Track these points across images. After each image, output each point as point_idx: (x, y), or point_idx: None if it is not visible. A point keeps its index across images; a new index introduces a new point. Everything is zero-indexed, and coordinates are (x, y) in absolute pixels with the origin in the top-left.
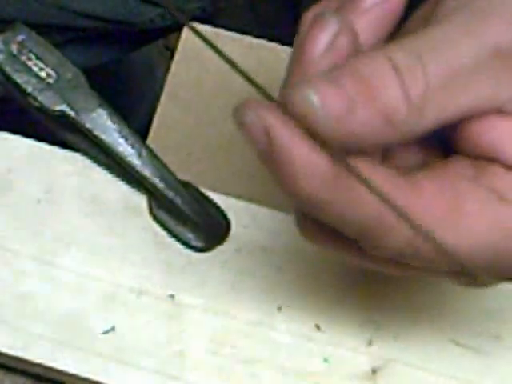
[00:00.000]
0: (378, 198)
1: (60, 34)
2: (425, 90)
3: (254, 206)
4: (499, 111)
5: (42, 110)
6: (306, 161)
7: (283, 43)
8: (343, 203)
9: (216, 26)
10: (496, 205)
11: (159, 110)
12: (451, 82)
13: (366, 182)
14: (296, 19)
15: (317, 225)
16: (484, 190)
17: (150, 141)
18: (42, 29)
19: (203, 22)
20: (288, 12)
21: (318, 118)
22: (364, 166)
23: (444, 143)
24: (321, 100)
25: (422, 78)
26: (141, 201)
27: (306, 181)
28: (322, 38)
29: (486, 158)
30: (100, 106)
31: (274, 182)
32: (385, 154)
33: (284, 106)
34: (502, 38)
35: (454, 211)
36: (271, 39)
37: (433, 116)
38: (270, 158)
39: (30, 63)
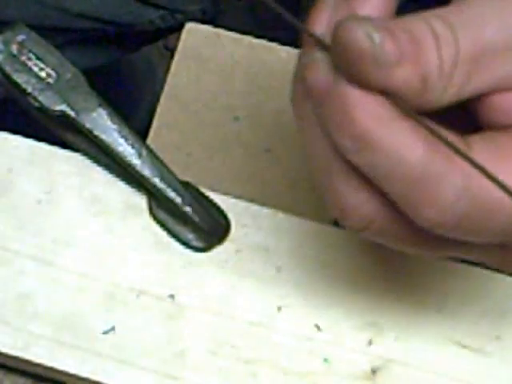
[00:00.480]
0: (439, 142)
1: (60, 36)
2: (454, 61)
3: (254, 206)
4: None
5: (42, 109)
6: (366, 97)
7: (283, 44)
8: (396, 146)
9: (216, 26)
10: None
11: (159, 110)
12: (479, 57)
13: (429, 128)
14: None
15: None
16: None
17: (149, 141)
18: (42, 31)
19: (204, 23)
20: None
21: (375, 56)
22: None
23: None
24: (381, 40)
25: (454, 49)
26: (141, 201)
27: (363, 112)
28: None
29: None
30: (100, 105)
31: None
32: None
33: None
34: None
35: (508, 172)
36: (271, 41)
37: (459, 86)
38: (328, 98)
39: (30, 63)
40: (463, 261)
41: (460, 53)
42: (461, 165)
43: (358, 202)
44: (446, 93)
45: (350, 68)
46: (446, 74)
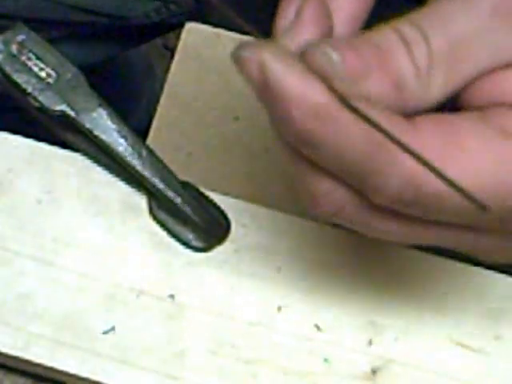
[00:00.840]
0: (376, 131)
1: (56, 30)
2: (430, 59)
3: (254, 206)
4: (507, 66)
5: (42, 109)
6: (299, 90)
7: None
8: (338, 137)
9: (209, 19)
10: (501, 141)
11: (159, 110)
12: (454, 51)
13: (364, 117)
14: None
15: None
16: (488, 127)
17: (149, 141)
18: (37, 24)
19: (199, 14)
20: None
21: (335, 73)
22: (362, 105)
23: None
24: (340, 58)
25: (425, 49)
26: (141, 201)
27: (299, 111)
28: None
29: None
30: (100, 105)
31: (272, 125)
32: None
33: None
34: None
35: (455, 147)
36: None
37: (440, 83)
38: (264, 90)
39: (30, 63)
40: (462, 260)
41: (433, 50)
42: (402, 157)
43: (326, 190)
44: (430, 92)
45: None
46: (423, 74)
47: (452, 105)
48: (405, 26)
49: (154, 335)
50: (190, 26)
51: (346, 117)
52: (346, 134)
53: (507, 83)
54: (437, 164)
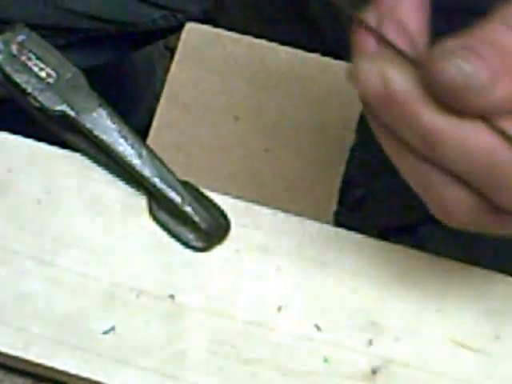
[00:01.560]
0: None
1: (63, 36)
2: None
3: (253, 206)
4: None
5: (42, 109)
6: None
7: (284, 40)
8: (466, 141)
9: (217, 23)
10: None
11: (159, 110)
12: None
13: (500, 131)
14: (299, 15)
15: None
16: None
17: (149, 141)
18: (45, 31)
19: (205, 22)
20: (289, 9)
21: (471, 87)
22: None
23: None
24: (473, 69)
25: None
26: (141, 201)
27: (428, 116)
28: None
29: None
30: (100, 105)
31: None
32: None
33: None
34: None
35: None
36: (272, 36)
37: None
38: (385, 103)
39: (30, 63)
40: (462, 260)
41: None
42: None
43: (459, 201)
44: None
45: (450, 102)
46: None
47: None
48: None
49: (154, 335)
50: (190, 26)
51: (475, 123)
52: (475, 140)
53: None
54: None
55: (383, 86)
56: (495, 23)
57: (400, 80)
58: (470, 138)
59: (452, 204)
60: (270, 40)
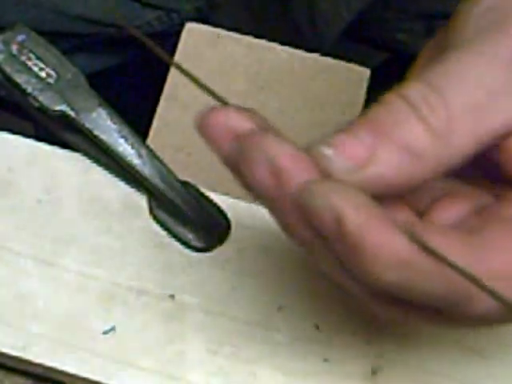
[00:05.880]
0: (456, 271)
1: (60, 44)
2: (448, 119)
3: (254, 206)
4: None
5: (42, 109)
6: (381, 244)
7: (276, 39)
8: (424, 279)
9: (210, 22)
10: None
11: (159, 110)
12: (475, 107)
13: (442, 258)
14: (284, 15)
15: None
16: None
17: (149, 141)
18: (45, 36)
19: (199, 21)
20: (279, 8)
21: (332, 168)
22: (435, 234)
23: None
24: (334, 152)
25: (442, 108)
26: (141, 201)
27: (382, 265)
28: None
29: None
30: (100, 105)
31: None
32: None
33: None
34: None
35: None
36: (264, 34)
37: (462, 143)
38: (338, 240)
39: (29, 63)
40: None
41: (452, 108)
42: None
43: (402, 316)
44: (453, 150)
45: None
46: (441, 134)
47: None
48: (411, 89)
49: (154, 335)
50: (190, 26)
51: (428, 262)
52: (430, 278)
53: None
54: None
55: (336, 224)
56: (391, 96)
57: (356, 222)
58: (427, 277)
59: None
60: (262, 38)
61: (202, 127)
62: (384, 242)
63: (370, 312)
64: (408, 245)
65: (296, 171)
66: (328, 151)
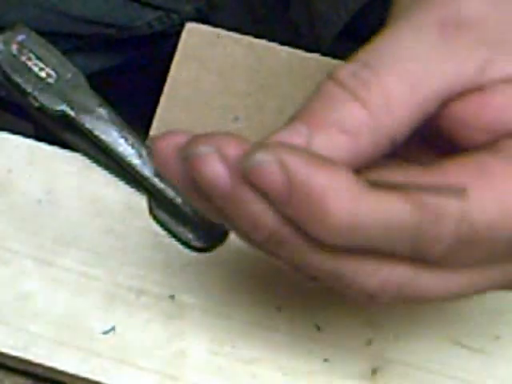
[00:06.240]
0: (416, 189)
1: (62, 43)
2: (382, 93)
3: None
4: (478, 87)
5: (42, 109)
6: (329, 181)
7: (275, 39)
8: (381, 212)
9: (210, 22)
10: None
11: (159, 110)
12: (408, 74)
13: (392, 183)
14: (284, 15)
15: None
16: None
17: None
18: (44, 37)
19: (199, 21)
20: (279, 8)
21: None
22: (386, 172)
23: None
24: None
25: (375, 83)
26: (141, 201)
27: (338, 203)
28: None
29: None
30: (100, 105)
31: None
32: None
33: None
34: (444, 12)
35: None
36: (264, 34)
37: (403, 110)
38: (291, 196)
39: (29, 63)
40: None
41: (386, 82)
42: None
43: (371, 271)
44: (396, 120)
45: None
46: (379, 108)
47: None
48: (342, 69)
49: (154, 335)
50: (190, 26)
51: (377, 191)
52: (385, 206)
53: (499, 105)
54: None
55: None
56: (323, 80)
57: (302, 166)
58: (392, 213)
59: (364, 278)
60: (262, 38)
61: (157, 161)
62: (332, 182)
63: (353, 292)
64: (352, 179)
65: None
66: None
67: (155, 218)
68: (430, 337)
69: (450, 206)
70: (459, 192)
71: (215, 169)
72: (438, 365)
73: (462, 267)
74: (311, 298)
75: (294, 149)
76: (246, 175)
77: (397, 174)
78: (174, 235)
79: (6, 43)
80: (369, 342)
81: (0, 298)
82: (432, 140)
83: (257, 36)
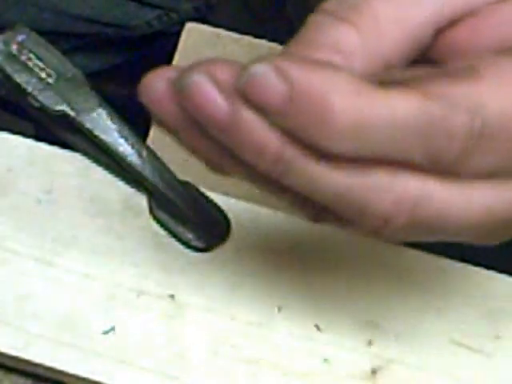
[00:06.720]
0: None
1: (62, 42)
2: (372, 14)
3: (254, 206)
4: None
5: (42, 109)
6: (333, 81)
7: (273, 39)
8: (391, 106)
9: (210, 22)
10: None
11: None
12: (399, 1)
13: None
14: (282, 14)
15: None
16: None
17: (149, 141)
18: (43, 37)
19: (199, 20)
20: (276, 8)
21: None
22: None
23: None
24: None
25: (365, 7)
26: (141, 201)
27: (341, 101)
28: None
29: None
30: (100, 105)
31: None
32: None
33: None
34: None
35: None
36: (262, 34)
37: (394, 34)
38: (292, 103)
39: (30, 63)
40: (462, 260)
41: (373, 5)
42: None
43: (395, 199)
44: (386, 47)
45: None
46: (370, 28)
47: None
48: (331, 3)
49: (154, 335)
50: (190, 26)
51: (384, 87)
52: (393, 101)
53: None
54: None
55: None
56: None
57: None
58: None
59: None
60: (262, 38)
61: (143, 97)
62: (335, 82)
63: (364, 220)
64: (355, 77)
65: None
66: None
67: (155, 217)
68: (430, 337)
69: (462, 93)
70: (471, 71)
71: (210, 95)
72: (438, 365)
73: (476, 178)
74: (311, 298)
75: (290, 55)
76: (242, 93)
77: (404, 74)
78: (174, 235)
79: (6, 43)
80: (369, 342)
81: (0, 298)
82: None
83: (257, 36)
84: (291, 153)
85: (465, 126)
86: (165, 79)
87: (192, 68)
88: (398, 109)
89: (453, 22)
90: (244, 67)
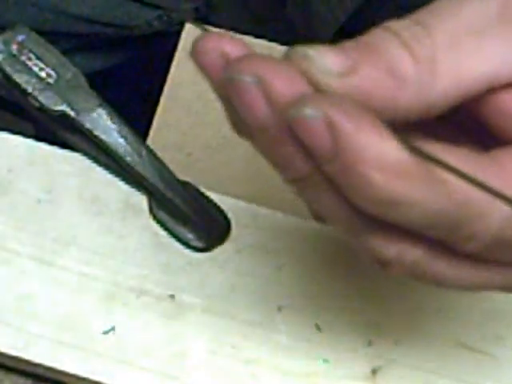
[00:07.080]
0: (466, 181)
1: (61, 42)
2: (433, 51)
3: (254, 206)
4: None
5: (42, 109)
6: (379, 150)
7: (273, 39)
8: (428, 195)
9: (210, 22)
10: None
11: (159, 110)
12: (460, 45)
13: (447, 166)
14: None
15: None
16: None
17: (149, 141)
18: (43, 36)
19: (200, 20)
20: (276, 8)
21: (312, 69)
22: (437, 149)
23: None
24: (318, 55)
25: (427, 38)
26: (141, 201)
27: (380, 174)
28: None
29: None
30: (100, 105)
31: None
32: None
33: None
34: None
35: None
36: (261, 34)
37: (447, 79)
38: (336, 157)
39: (30, 63)
40: None
41: (437, 42)
42: (494, 204)
43: (399, 253)
44: (438, 83)
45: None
46: (425, 64)
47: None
48: (397, 24)
49: (154, 335)
50: (190, 26)
51: (433, 172)
52: (433, 190)
53: None
54: None
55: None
56: (378, 30)
57: (349, 128)
58: (428, 188)
59: (390, 259)
60: (262, 38)
61: (195, 55)
62: (379, 149)
63: (368, 252)
64: (403, 152)
65: (283, 83)
66: (311, 52)
67: (155, 217)
68: (431, 337)
69: (499, 207)
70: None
71: (257, 103)
72: (438, 365)
73: (484, 263)
74: (311, 298)
75: (340, 103)
76: (289, 121)
77: (447, 153)
78: (174, 235)
79: (6, 43)
80: (369, 343)
81: (0, 298)
82: (468, 127)
83: (257, 36)
84: (316, 179)
85: (492, 234)
86: (219, 51)
87: (247, 65)
88: (437, 200)
89: (508, 85)
90: (300, 101)
